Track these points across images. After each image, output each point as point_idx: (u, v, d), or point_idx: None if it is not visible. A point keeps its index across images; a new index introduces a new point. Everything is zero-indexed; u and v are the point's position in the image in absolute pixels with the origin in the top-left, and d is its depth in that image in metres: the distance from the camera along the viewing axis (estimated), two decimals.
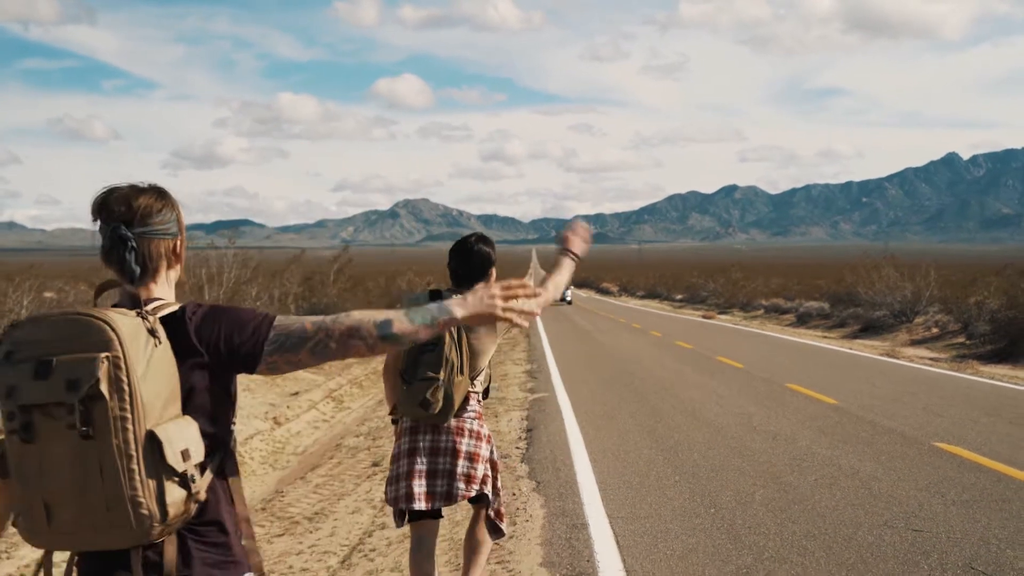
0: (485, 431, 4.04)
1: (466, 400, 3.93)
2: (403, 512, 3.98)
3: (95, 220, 2.04)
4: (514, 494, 6.99)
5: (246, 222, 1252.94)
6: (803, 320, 36.03)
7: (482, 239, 4.10)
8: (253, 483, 8.82)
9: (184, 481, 1.81)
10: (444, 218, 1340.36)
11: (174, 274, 2.11)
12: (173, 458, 1.79)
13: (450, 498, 3.90)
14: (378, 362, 20.40)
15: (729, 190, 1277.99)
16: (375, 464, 8.72)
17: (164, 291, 2.06)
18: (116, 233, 1.99)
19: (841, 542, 5.51)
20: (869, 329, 28.59)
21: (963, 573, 4.91)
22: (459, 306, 2.05)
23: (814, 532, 5.74)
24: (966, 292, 26.80)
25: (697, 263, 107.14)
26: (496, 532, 4.15)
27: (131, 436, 1.74)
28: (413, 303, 3.70)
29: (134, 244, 2.00)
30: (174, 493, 1.79)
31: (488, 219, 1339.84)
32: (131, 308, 1.93)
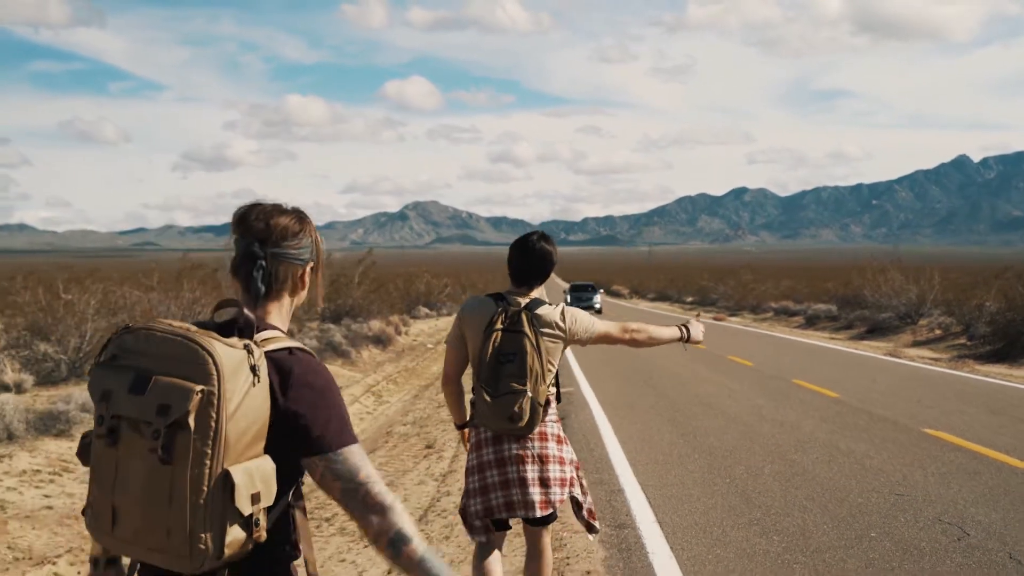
0: (563, 433, 3.96)
1: (547, 403, 3.81)
2: (486, 525, 3.87)
3: (232, 233, 2.07)
4: None
5: None
6: (811, 322, 37.00)
7: (544, 237, 3.95)
8: None
9: (248, 523, 1.78)
10: (453, 220, 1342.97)
11: (296, 301, 2.10)
12: (242, 501, 1.76)
13: (549, 505, 3.79)
14: (408, 359, 21.57)
15: (739, 192, 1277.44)
16: (428, 447, 9.89)
17: (280, 318, 2.05)
18: (249, 249, 2.01)
19: (835, 503, 6.66)
20: (875, 331, 29.59)
21: (932, 524, 6.07)
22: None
23: (813, 496, 6.90)
24: (968, 295, 27.79)
25: (707, 265, 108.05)
26: (592, 530, 4.04)
27: (206, 472, 1.72)
28: (475, 309, 3.79)
29: (264, 263, 2.01)
30: (235, 533, 1.76)
31: (497, 221, 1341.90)
32: (245, 330, 1.89)
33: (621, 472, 7.85)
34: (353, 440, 1.91)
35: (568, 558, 5.53)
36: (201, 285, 17.49)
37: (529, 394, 3.66)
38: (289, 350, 1.92)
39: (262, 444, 1.80)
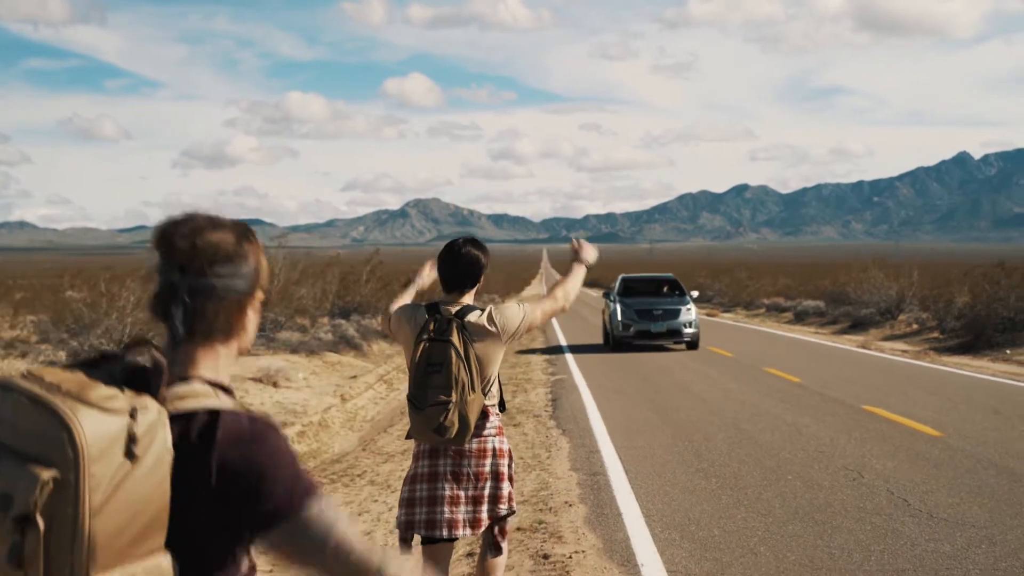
0: (506, 446, 3.89)
1: (484, 416, 3.76)
2: (410, 538, 3.82)
3: (154, 254, 1.58)
4: (547, 437, 9.78)
5: (257, 222, 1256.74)
6: (800, 318, 38.54)
7: (471, 242, 3.91)
8: (340, 440, 11.58)
9: None
10: (454, 217, 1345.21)
11: (234, 346, 1.62)
12: None
13: (476, 524, 3.76)
14: None
15: (740, 189, 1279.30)
16: None
17: (212, 366, 1.56)
18: (167, 278, 1.54)
19: (767, 458, 8.31)
20: (857, 325, 31.15)
21: (838, 470, 7.72)
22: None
23: (751, 453, 8.55)
24: (943, 292, 29.38)
25: (707, 263, 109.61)
26: (496, 550, 3.98)
27: None
28: (409, 317, 3.85)
29: (186, 297, 1.53)
30: None
31: (499, 218, 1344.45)
32: (149, 381, 1.43)
33: (600, 438, 9.48)
34: (312, 492, 1.49)
35: (552, 493, 7.15)
36: None
37: (455, 404, 3.57)
38: (215, 413, 1.47)
39: (158, 538, 1.38)
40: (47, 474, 1.29)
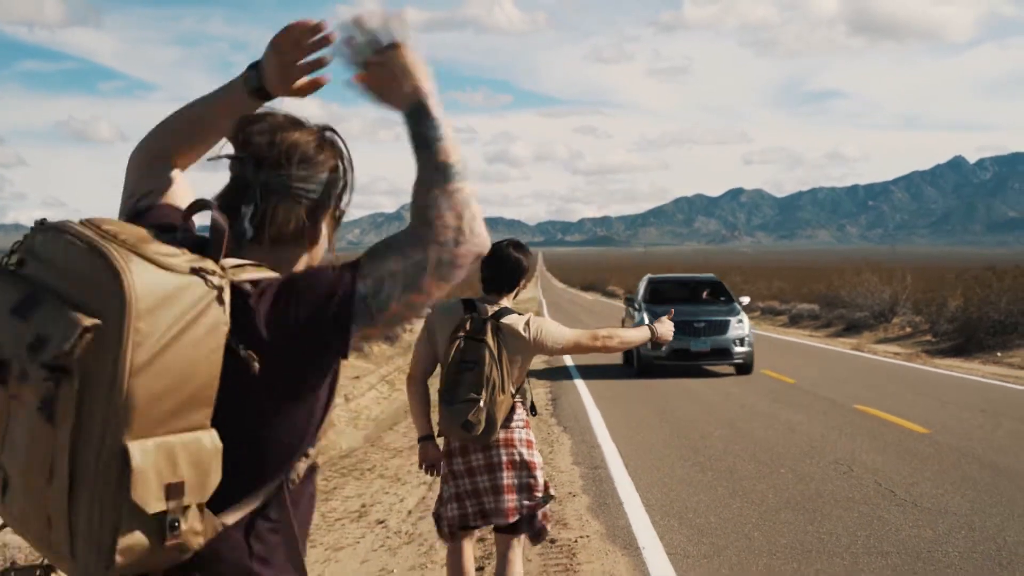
0: (533, 438, 4.01)
1: (513, 410, 3.84)
2: (459, 534, 3.95)
3: (227, 145, 1.52)
4: (549, 433, 10.13)
5: None
6: (795, 321, 38.88)
7: (516, 245, 3.97)
8: (345, 438, 11.91)
9: (159, 526, 1.24)
10: None
11: (302, 258, 1.52)
12: (144, 493, 1.21)
13: (513, 512, 3.84)
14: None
15: (735, 193, 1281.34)
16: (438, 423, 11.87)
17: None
18: (240, 172, 1.46)
19: (761, 452, 8.68)
20: (851, 328, 31.52)
21: (829, 464, 8.10)
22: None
23: (746, 448, 8.92)
24: (935, 296, 29.78)
25: (702, 267, 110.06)
26: (539, 536, 4.06)
27: (94, 443, 1.20)
28: (446, 312, 3.83)
29: (258, 194, 1.44)
30: (132, 539, 1.22)
31: (494, 222, 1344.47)
32: (208, 244, 1.34)
33: (600, 434, 9.85)
34: (355, 269, 1.41)
35: (556, 484, 7.50)
36: None
37: (483, 404, 3.63)
38: (270, 280, 1.40)
39: (202, 413, 1.28)
40: (88, 321, 1.20)
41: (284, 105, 1.60)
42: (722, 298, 17.53)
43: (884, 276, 32.86)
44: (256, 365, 1.34)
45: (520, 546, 4.02)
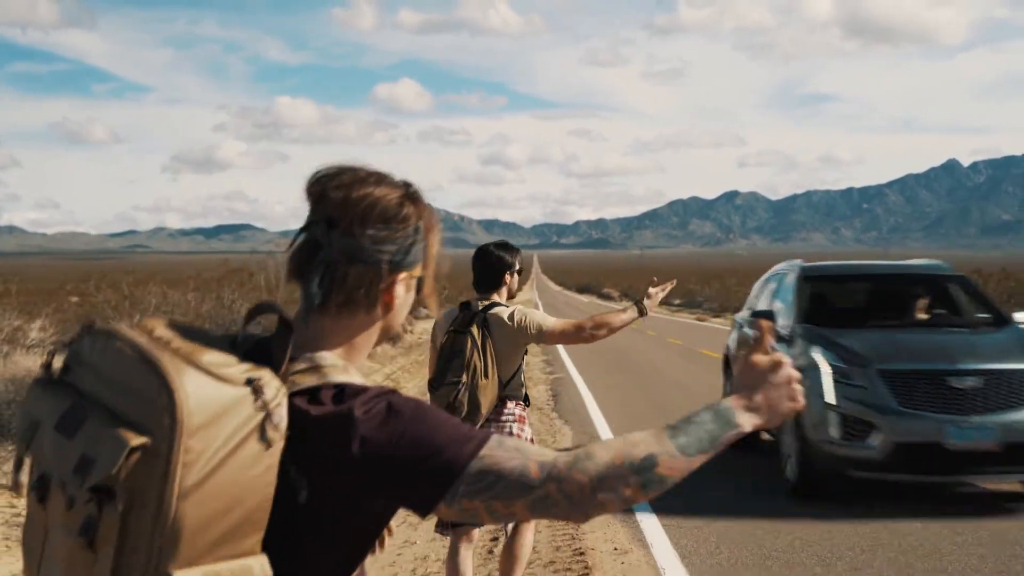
0: (526, 435, 4.09)
1: (502, 404, 3.99)
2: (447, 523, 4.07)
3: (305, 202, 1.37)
4: (551, 426, 10.80)
5: (247, 227, 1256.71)
6: None
7: (500, 245, 4.20)
8: None
9: None
10: (445, 222, 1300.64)
11: (375, 325, 1.38)
12: None
13: None
14: (416, 354, 24.12)
15: (730, 196, 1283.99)
16: None
17: (344, 343, 1.35)
18: (310, 233, 1.34)
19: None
20: None
21: None
22: (748, 411, 1.37)
23: None
24: None
25: (697, 269, 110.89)
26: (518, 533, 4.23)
27: (137, 572, 1.12)
28: (447, 316, 4.07)
29: (327, 256, 1.31)
30: None
31: (490, 224, 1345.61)
32: (277, 355, 1.25)
33: (598, 424, 10.54)
34: (488, 434, 1.28)
35: (544, 438, 8.17)
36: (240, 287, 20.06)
37: (465, 385, 3.77)
38: (339, 389, 1.27)
39: (253, 539, 1.18)
40: (137, 440, 1.11)
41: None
42: (983, 314, 8.23)
43: None
44: (304, 494, 1.23)
45: (529, 526, 4.21)
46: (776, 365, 1.38)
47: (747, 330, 9.49)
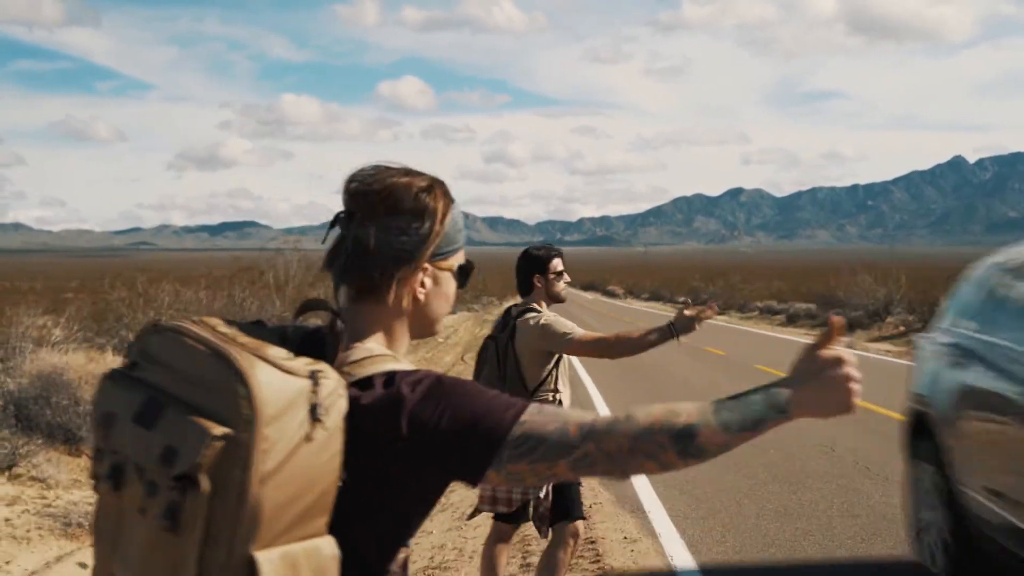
0: None
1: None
2: (480, 512, 4.26)
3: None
4: None
5: (251, 224, 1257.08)
6: (792, 320, 39.67)
7: (538, 247, 4.22)
8: None
9: None
10: None
11: (403, 318, 1.44)
12: None
13: (505, 502, 4.10)
14: (424, 351, 24.38)
15: (734, 193, 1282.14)
16: None
17: (385, 332, 1.42)
18: (341, 227, 1.42)
19: None
20: (847, 327, 32.30)
21: (813, 445, 9.04)
22: (799, 402, 1.37)
23: None
24: (928, 295, 30.65)
25: (702, 266, 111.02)
26: (542, 521, 4.17)
27: (222, 554, 1.19)
28: (496, 320, 4.27)
29: (351, 245, 1.39)
30: None
31: (494, 221, 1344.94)
32: (330, 347, 1.34)
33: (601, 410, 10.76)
34: (526, 403, 1.35)
35: None
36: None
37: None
38: (390, 375, 1.34)
39: (322, 520, 1.26)
40: (219, 430, 1.18)
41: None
42: None
43: (880, 276, 33.76)
44: (358, 477, 1.30)
45: (572, 537, 4.15)
46: (838, 361, 1.36)
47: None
